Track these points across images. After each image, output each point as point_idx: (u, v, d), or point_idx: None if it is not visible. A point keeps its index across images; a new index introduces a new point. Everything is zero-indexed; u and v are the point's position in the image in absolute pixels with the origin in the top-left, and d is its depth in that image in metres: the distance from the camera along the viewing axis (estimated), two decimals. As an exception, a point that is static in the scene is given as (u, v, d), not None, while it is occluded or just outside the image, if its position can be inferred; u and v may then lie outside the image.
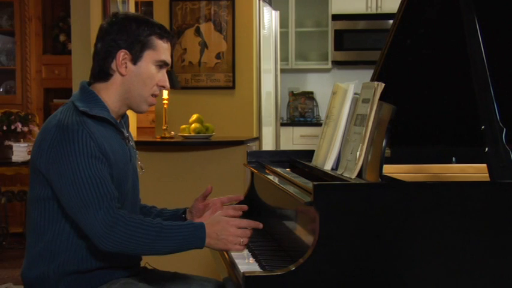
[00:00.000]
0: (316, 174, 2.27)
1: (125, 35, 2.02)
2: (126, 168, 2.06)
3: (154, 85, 2.07)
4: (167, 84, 2.10)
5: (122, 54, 2.02)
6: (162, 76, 2.08)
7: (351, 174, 2.04)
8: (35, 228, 2.01)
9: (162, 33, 2.06)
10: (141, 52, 2.03)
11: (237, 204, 2.35)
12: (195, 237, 1.93)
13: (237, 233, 1.97)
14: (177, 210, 2.32)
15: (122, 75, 2.04)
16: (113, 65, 2.03)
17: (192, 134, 4.38)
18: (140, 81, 2.04)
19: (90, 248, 1.98)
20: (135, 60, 2.03)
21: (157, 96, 2.11)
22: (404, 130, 2.36)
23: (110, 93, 2.05)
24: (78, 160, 1.89)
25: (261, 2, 5.62)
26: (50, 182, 1.95)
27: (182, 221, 2.25)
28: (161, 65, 2.07)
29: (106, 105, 2.04)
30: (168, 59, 2.08)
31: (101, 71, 2.05)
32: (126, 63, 2.03)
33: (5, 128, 5.35)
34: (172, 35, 2.12)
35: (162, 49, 2.06)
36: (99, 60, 2.05)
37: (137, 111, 2.11)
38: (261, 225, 2.05)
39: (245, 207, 2.25)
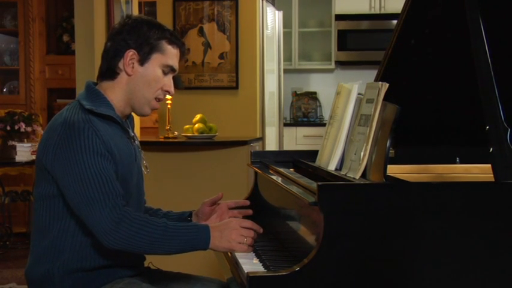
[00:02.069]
0: (320, 174, 2.26)
1: (135, 35, 2.04)
2: (131, 167, 2.07)
3: (159, 89, 2.08)
4: (172, 90, 2.11)
5: (130, 54, 2.03)
6: (168, 81, 2.09)
7: (355, 175, 2.04)
8: (40, 225, 2.02)
9: (173, 39, 2.07)
10: (149, 54, 2.04)
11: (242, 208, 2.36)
12: (199, 238, 1.94)
13: (240, 231, 1.98)
14: (183, 213, 2.32)
15: (128, 74, 2.05)
16: (120, 64, 2.04)
17: (196, 134, 4.39)
18: (145, 83, 2.05)
19: (95, 246, 1.99)
20: (142, 61, 2.04)
21: (161, 100, 2.12)
22: (409, 130, 2.36)
23: (115, 92, 2.06)
24: (84, 157, 1.90)
25: (265, 2, 5.62)
26: (55, 179, 1.96)
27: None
28: (168, 70, 2.08)
29: (112, 104, 2.05)
30: (175, 64, 2.09)
31: (109, 69, 2.06)
32: (133, 63, 2.04)
33: (8, 128, 5.35)
34: (183, 42, 2.13)
35: (171, 54, 2.07)
36: (108, 59, 2.06)
37: (139, 114, 2.12)
38: (261, 230, 2.05)
39: (250, 211, 2.30)
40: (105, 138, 1.95)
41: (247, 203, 2.39)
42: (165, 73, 2.08)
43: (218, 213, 2.28)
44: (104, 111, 2.00)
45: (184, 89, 5.29)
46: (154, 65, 2.05)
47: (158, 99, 2.10)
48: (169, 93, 2.11)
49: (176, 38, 2.09)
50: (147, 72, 2.05)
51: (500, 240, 1.75)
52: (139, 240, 1.89)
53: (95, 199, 1.89)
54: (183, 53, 2.14)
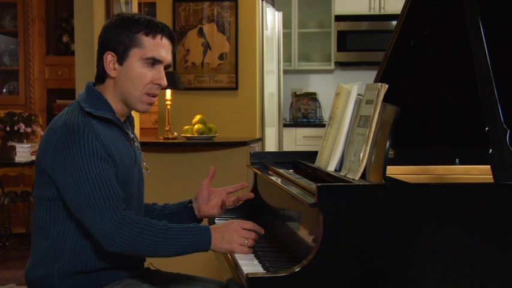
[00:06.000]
0: (319, 175, 2.26)
1: (110, 35, 2.00)
2: (131, 169, 2.06)
3: (148, 83, 2.01)
4: (163, 81, 2.04)
5: (109, 56, 2.00)
6: (157, 73, 2.02)
7: (355, 176, 2.04)
8: (40, 228, 2.01)
9: (148, 30, 2.00)
10: (126, 51, 1.99)
11: (241, 192, 2.35)
12: (200, 240, 1.93)
13: (241, 233, 1.97)
14: (181, 203, 2.31)
15: (112, 77, 2.02)
16: (104, 68, 2.02)
17: (195, 134, 4.39)
18: (129, 81, 2.01)
19: (95, 249, 1.98)
20: (121, 60, 2.00)
21: (156, 95, 2.06)
22: (408, 131, 2.36)
23: (108, 95, 2.04)
24: (84, 161, 1.89)
25: (264, 2, 5.62)
26: (55, 182, 1.95)
27: (188, 211, 2.28)
28: (151, 62, 2.01)
29: (111, 106, 2.04)
30: (158, 55, 2.01)
31: (98, 74, 2.06)
32: (113, 64, 2.01)
33: (8, 128, 5.35)
34: (162, 28, 2.03)
35: (150, 46, 2.00)
36: (96, 64, 2.06)
37: (138, 111, 2.09)
38: (262, 231, 2.04)
39: (251, 195, 2.30)
40: (105, 141, 1.94)
41: (246, 185, 2.35)
42: (151, 66, 2.01)
43: (217, 199, 2.28)
44: (103, 114, 1.99)
45: (184, 90, 5.30)
46: (134, 61, 2.00)
47: (152, 95, 2.04)
48: (160, 85, 2.04)
49: (152, 27, 2.01)
50: (128, 70, 2.00)
51: (499, 241, 1.75)
52: (141, 244, 1.89)
53: (95, 203, 1.88)
54: (173, 39, 2.05)
